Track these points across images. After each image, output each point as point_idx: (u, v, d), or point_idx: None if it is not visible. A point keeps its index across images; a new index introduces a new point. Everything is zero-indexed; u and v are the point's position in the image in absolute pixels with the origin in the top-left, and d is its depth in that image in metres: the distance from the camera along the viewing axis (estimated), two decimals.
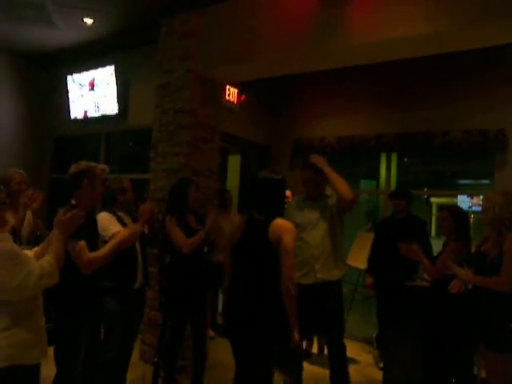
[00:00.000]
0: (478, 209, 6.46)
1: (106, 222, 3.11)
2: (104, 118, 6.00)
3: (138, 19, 4.90)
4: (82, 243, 2.56)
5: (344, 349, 3.34)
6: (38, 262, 2.08)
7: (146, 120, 5.03)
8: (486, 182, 5.55)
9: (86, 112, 6.16)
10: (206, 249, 3.70)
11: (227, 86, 5.33)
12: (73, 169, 2.73)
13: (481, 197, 6.37)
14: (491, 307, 2.74)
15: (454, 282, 3.10)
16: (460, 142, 4.99)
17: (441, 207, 6.78)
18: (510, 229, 2.75)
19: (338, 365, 3.34)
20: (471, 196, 6.40)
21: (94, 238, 2.78)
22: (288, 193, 5.07)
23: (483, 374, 3.12)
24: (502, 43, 3.55)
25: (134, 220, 3.42)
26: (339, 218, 3.36)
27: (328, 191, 3.38)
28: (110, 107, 5.85)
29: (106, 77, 5.81)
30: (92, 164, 2.81)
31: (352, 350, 5.04)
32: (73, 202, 2.71)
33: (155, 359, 3.67)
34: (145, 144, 5.17)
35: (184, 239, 3.39)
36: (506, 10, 3.00)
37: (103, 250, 2.69)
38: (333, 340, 3.37)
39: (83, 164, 2.75)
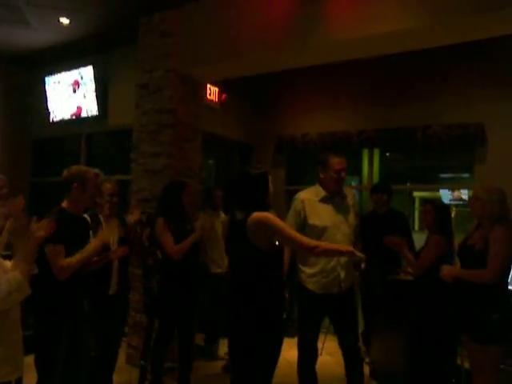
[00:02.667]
0: (459, 202, 6.56)
1: None
2: (84, 119, 5.93)
3: (116, 18, 4.84)
4: (59, 248, 2.55)
5: (359, 350, 3.32)
6: (6, 276, 1.99)
7: (127, 120, 4.99)
8: (467, 175, 5.63)
9: (69, 113, 6.07)
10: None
11: (208, 85, 5.31)
12: (64, 173, 2.79)
13: (461, 191, 6.48)
14: (475, 299, 2.78)
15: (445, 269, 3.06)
16: (440, 136, 5.06)
17: (423, 201, 6.85)
18: (498, 222, 2.81)
19: (355, 366, 3.28)
20: (452, 189, 6.47)
21: (83, 241, 2.77)
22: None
23: (467, 365, 3.17)
24: (481, 38, 3.60)
25: (123, 224, 3.43)
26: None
27: (344, 190, 3.20)
28: (90, 108, 5.78)
29: (84, 77, 5.74)
30: (84, 168, 2.87)
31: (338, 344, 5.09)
32: (63, 205, 2.74)
33: (141, 362, 3.65)
34: (126, 145, 5.13)
35: (172, 245, 3.38)
36: (485, 5, 3.05)
37: (77, 256, 2.66)
38: (348, 342, 3.26)
39: (74, 168, 2.81)
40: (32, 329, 2.62)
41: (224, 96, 5.64)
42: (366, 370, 4.14)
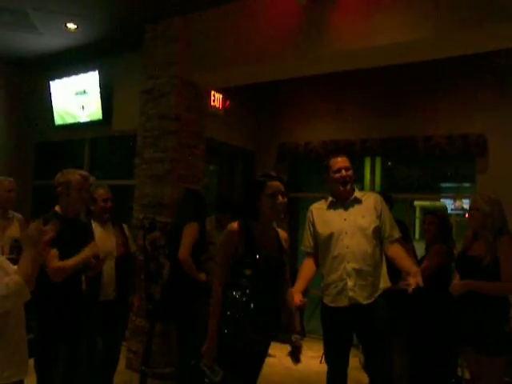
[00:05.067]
0: (460, 212, 6.56)
1: None
2: (88, 124, 5.95)
3: (122, 25, 4.88)
4: (54, 252, 2.55)
5: (386, 379, 2.88)
6: (6, 280, 1.98)
7: (131, 126, 5.01)
8: (468, 185, 5.64)
9: (73, 117, 6.10)
10: None
11: (212, 92, 5.34)
12: (55, 177, 2.82)
13: (463, 200, 6.48)
14: (485, 311, 2.75)
15: (455, 284, 2.99)
16: (442, 146, 5.08)
17: (424, 210, 6.85)
18: (502, 234, 2.82)
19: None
20: (453, 199, 6.48)
21: (79, 244, 2.77)
22: None
23: (467, 375, 3.16)
24: (482, 51, 3.63)
25: (120, 230, 3.43)
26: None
27: (359, 193, 2.92)
28: (95, 113, 5.81)
29: (90, 83, 5.77)
30: (69, 171, 2.83)
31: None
32: (56, 209, 2.77)
33: (142, 367, 3.64)
34: (130, 150, 5.15)
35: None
36: (487, 19, 3.08)
37: (72, 260, 2.65)
38: (372, 367, 2.93)
39: (63, 171, 2.82)
40: (34, 332, 2.63)
41: (228, 103, 5.67)
42: (366, 378, 4.13)
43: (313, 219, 2.94)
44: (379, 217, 2.82)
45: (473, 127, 4.99)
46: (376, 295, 2.77)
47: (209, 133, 5.01)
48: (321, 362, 4.79)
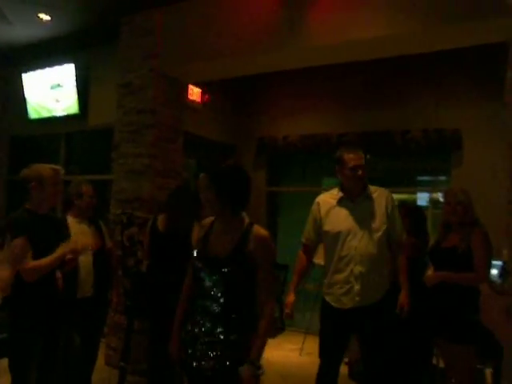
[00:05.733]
0: (437, 205, 6.68)
1: None
2: (64, 118, 5.85)
3: (98, 16, 4.79)
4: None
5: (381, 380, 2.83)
6: None
7: (108, 120, 4.95)
8: (444, 178, 5.75)
9: (48, 111, 5.98)
10: None
11: (191, 86, 5.31)
12: (21, 173, 2.71)
13: (439, 193, 6.61)
14: (457, 301, 2.84)
15: (429, 275, 3.08)
16: (418, 140, 5.18)
17: (402, 203, 6.95)
18: (476, 225, 2.93)
19: None
20: (430, 192, 6.61)
21: (54, 241, 2.72)
22: None
23: (441, 364, 3.25)
24: (458, 47, 3.70)
25: (96, 226, 3.38)
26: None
27: (371, 189, 2.81)
28: (70, 107, 5.71)
29: (65, 75, 5.67)
30: (41, 166, 2.76)
31: (318, 345, 5.16)
32: (26, 205, 2.69)
33: (121, 363, 3.62)
34: (107, 144, 5.09)
35: None
36: (463, 15, 3.15)
37: (46, 259, 2.60)
38: (370, 368, 2.85)
39: (31, 166, 2.72)
40: (7, 332, 2.60)
41: (207, 97, 5.65)
42: (345, 370, 4.20)
43: (320, 214, 2.84)
44: (389, 217, 2.75)
45: (448, 122, 5.09)
46: (380, 296, 2.74)
47: (187, 127, 4.99)
48: (300, 355, 4.86)
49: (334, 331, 2.82)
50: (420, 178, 6.25)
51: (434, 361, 3.61)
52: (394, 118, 5.40)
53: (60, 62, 5.70)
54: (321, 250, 5.13)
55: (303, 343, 4.97)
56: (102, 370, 3.96)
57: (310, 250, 2.97)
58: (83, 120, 5.69)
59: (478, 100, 4.99)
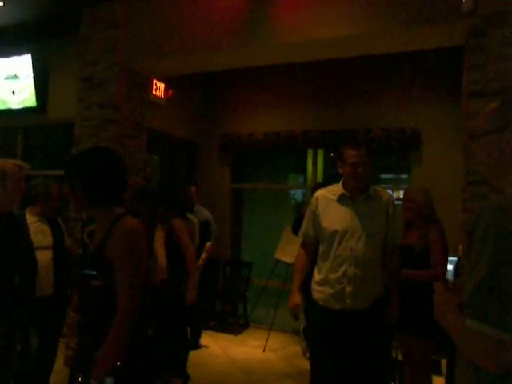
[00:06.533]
0: (399, 202, 6.87)
1: None
2: (21, 111, 5.66)
3: (57, 6, 4.64)
4: None
5: None
6: None
7: (68, 114, 4.83)
8: (405, 176, 5.93)
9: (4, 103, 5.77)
10: None
11: (154, 81, 5.25)
12: None
13: (401, 192, 6.81)
14: (414, 298, 2.94)
15: None
16: (380, 139, 5.31)
17: None
18: (431, 223, 3.08)
19: None
20: (392, 190, 6.78)
21: (12, 239, 2.65)
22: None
23: (400, 357, 3.36)
24: (418, 49, 3.82)
25: (55, 224, 3.31)
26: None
27: (374, 190, 2.73)
28: (28, 99, 5.53)
29: (22, 66, 5.48)
30: (3, 161, 2.67)
31: (281, 341, 5.23)
32: None
33: (72, 362, 3.57)
34: (67, 139, 4.96)
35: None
36: (422, 18, 3.26)
37: None
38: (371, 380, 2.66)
39: None
40: None
41: (170, 92, 5.60)
42: (307, 365, 4.28)
43: (318, 209, 2.73)
44: (388, 221, 2.67)
45: (409, 121, 5.25)
46: (372, 299, 2.63)
47: (150, 123, 4.94)
48: (264, 351, 4.91)
49: (324, 332, 2.68)
50: (382, 176, 6.41)
51: (394, 354, 3.74)
52: (357, 117, 5.52)
53: (17, 53, 5.50)
54: (285, 247, 5.22)
55: (267, 339, 5.02)
56: (61, 372, 3.88)
57: (309, 247, 2.82)
58: (42, 113, 5.53)
59: (438, 101, 5.17)
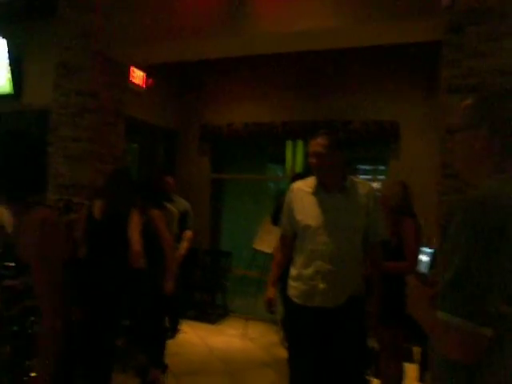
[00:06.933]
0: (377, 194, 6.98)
1: None
2: None
3: None
4: None
5: None
6: None
7: (45, 101, 4.73)
8: (383, 167, 6.02)
9: None
10: None
11: (133, 68, 5.19)
12: None
13: (379, 183, 6.92)
14: (391, 288, 3.00)
15: None
16: (359, 131, 5.38)
17: None
18: (404, 215, 3.16)
19: None
20: (371, 180, 6.87)
21: None
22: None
23: (376, 346, 3.45)
24: (397, 43, 3.86)
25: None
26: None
27: (352, 182, 2.54)
28: (2, 85, 5.40)
29: None
30: None
31: (260, 330, 5.29)
32: None
33: None
34: (43, 126, 4.87)
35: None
36: (401, 13, 3.31)
37: None
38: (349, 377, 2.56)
39: None
40: None
41: (150, 81, 5.54)
42: (285, 354, 4.34)
43: (292, 203, 2.60)
44: (368, 215, 2.50)
45: (387, 114, 5.33)
46: (348, 296, 2.47)
47: (130, 111, 4.88)
48: (242, 340, 4.97)
49: (299, 331, 2.59)
50: (362, 167, 6.50)
51: (369, 343, 3.84)
52: (337, 109, 5.57)
53: None
54: (264, 237, 5.27)
55: (245, 329, 5.08)
56: None
57: (287, 241, 2.70)
58: (17, 100, 5.40)
59: (417, 95, 5.25)
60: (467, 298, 1.05)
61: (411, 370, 3.72)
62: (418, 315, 1.22)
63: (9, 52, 5.26)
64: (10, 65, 5.29)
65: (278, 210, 4.54)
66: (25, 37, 5.34)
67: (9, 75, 5.32)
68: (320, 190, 2.53)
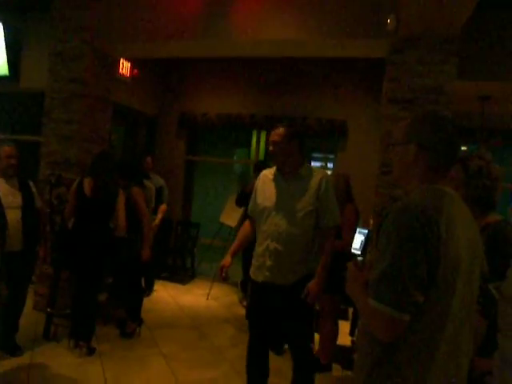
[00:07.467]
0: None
1: None
2: None
3: None
4: None
5: (307, 353, 2.49)
6: None
7: (40, 84, 4.56)
8: (332, 156, 6.18)
9: None
10: None
11: (121, 60, 5.05)
12: None
13: (328, 171, 7.09)
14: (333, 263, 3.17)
15: None
16: (314, 126, 5.49)
17: None
18: (346, 202, 3.30)
19: (300, 371, 2.49)
20: (322, 165, 7.00)
21: None
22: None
23: (317, 307, 3.63)
24: (349, 56, 3.93)
25: (25, 186, 3.22)
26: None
27: (308, 170, 2.47)
28: (0, 67, 5.14)
29: None
30: None
31: (222, 291, 5.40)
32: None
33: (48, 309, 3.57)
34: (38, 107, 4.71)
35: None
36: (349, 31, 3.37)
37: None
38: (292, 343, 2.53)
39: None
40: None
41: (136, 71, 5.42)
42: (243, 311, 4.48)
43: (257, 187, 2.57)
44: (319, 200, 2.40)
45: (338, 114, 5.45)
46: (295, 279, 2.38)
47: (116, 98, 4.79)
48: (207, 299, 5.08)
49: (255, 304, 2.57)
50: (316, 155, 6.65)
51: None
52: (297, 107, 5.64)
53: None
54: (229, 212, 5.33)
55: (210, 289, 5.18)
56: (31, 314, 3.85)
57: (253, 223, 2.61)
58: (14, 82, 5.17)
59: (364, 99, 5.39)
60: (392, 289, 1.11)
61: (345, 327, 3.91)
62: (354, 297, 1.28)
63: (5, 35, 5.00)
64: (7, 48, 5.04)
65: (241, 194, 4.63)
66: (24, 24, 5.09)
67: (5, 57, 5.07)
68: (278, 177, 2.48)
